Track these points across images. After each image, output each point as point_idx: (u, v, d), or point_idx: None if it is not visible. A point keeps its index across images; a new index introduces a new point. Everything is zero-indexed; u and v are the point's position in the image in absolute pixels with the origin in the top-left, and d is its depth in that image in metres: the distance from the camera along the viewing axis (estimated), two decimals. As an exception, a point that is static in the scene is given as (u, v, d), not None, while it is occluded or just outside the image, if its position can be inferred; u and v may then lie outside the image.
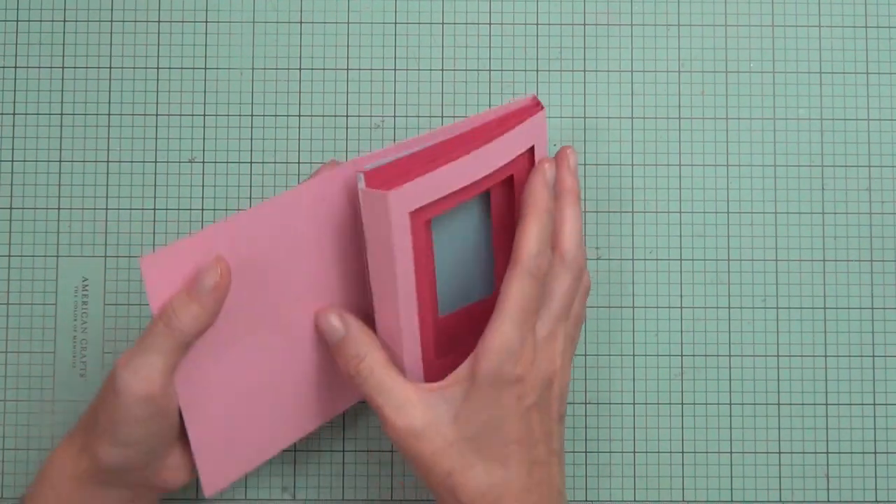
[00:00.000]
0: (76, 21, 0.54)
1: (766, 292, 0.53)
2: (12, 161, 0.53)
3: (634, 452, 0.53)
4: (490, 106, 0.54)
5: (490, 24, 0.54)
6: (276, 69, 0.54)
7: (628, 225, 0.53)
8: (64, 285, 0.53)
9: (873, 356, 0.53)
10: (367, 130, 0.54)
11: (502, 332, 0.43)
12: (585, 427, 0.53)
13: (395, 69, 0.54)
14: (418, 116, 0.54)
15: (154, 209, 0.53)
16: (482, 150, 0.44)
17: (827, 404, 0.53)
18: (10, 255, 0.53)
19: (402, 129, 0.54)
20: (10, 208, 0.53)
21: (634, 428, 0.53)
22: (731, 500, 0.52)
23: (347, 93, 0.54)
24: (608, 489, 0.52)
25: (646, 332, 0.53)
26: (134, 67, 0.54)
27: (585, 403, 0.53)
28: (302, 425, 0.49)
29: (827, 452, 0.53)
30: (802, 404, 0.53)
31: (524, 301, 0.43)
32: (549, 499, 0.44)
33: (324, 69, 0.54)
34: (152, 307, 0.42)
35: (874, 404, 0.53)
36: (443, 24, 0.54)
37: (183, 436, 0.46)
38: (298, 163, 0.53)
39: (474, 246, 0.49)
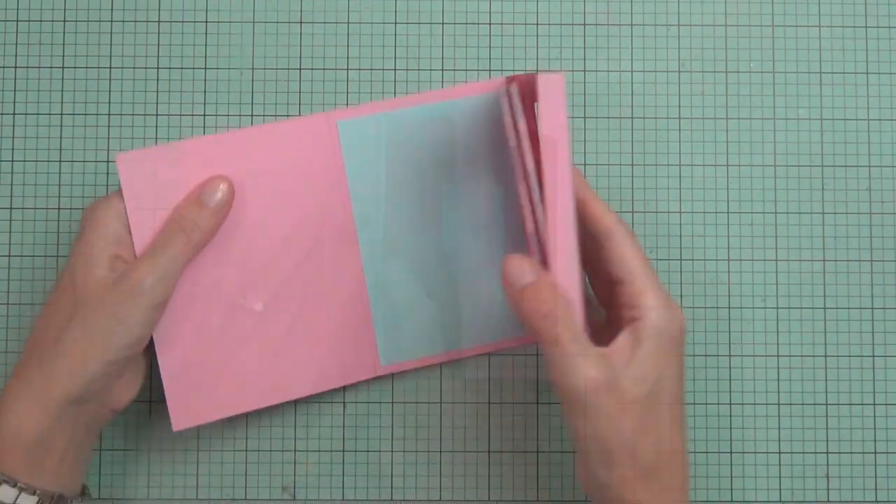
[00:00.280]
0: (76, 21, 0.54)
1: (766, 292, 0.53)
2: (12, 161, 0.53)
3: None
4: (490, 106, 0.54)
5: (490, 24, 0.54)
6: (276, 69, 0.54)
7: (628, 225, 0.53)
8: (64, 285, 0.53)
9: (873, 356, 0.53)
10: (367, 130, 0.54)
11: (652, 292, 0.44)
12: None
13: (395, 69, 0.54)
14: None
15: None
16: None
17: (827, 404, 0.53)
18: (10, 255, 0.53)
19: (402, 129, 0.54)
20: (10, 208, 0.53)
21: (634, 428, 0.53)
22: (731, 500, 0.52)
23: (347, 92, 0.54)
24: (608, 489, 0.52)
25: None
26: (134, 67, 0.54)
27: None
28: (285, 387, 0.49)
29: (827, 452, 0.53)
30: (802, 404, 0.53)
31: (647, 261, 0.45)
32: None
33: (324, 69, 0.54)
34: (127, 205, 0.47)
35: (874, 404, 0.53)
36: (443, 24, 0.54)
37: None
38: (298, 163, 0.53)
39: (489, 232, 0.50)
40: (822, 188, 0.54)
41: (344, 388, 0.53)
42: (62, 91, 0.54)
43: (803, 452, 0.53)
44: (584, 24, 0.54)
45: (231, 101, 0.53)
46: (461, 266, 0.51)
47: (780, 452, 0.53)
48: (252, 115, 0.53)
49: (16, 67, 0.54)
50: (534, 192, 0.46)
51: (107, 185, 0.53)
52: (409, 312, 0.51)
